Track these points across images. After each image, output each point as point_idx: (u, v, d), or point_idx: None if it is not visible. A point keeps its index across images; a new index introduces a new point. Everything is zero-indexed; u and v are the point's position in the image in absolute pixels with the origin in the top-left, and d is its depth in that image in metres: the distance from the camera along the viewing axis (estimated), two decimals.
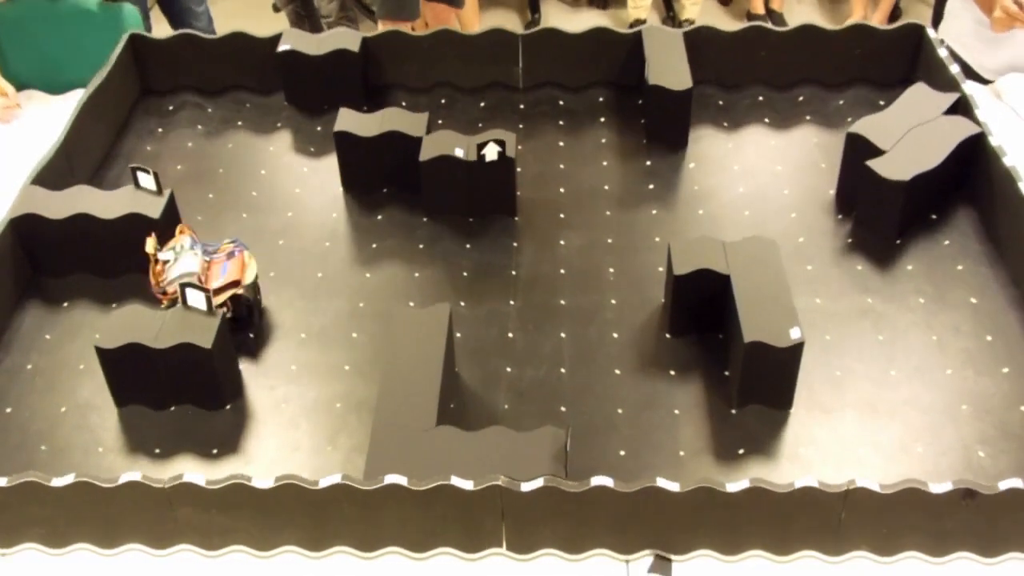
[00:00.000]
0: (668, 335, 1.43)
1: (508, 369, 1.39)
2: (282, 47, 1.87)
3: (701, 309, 1.40)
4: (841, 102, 1.88)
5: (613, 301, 1.49)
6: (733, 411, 1.32)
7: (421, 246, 1.61)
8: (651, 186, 1.71)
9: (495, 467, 1.13)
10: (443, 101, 1.92)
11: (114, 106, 1.87)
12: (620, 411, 1.33)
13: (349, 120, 1.68)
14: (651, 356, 1.40)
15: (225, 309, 1.39)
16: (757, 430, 1.30)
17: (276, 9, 4.01)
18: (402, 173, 1.66)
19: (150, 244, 1.41)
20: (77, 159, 1.71)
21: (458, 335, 1.43)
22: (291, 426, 1.33)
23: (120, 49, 1.90)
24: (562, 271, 1.55)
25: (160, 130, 1.89)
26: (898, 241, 1.57)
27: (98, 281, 1.55)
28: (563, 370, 1.39)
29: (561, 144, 1.81)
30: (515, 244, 1.60)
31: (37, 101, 2.13)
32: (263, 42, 1.91)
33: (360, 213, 1.68)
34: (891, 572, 1.16)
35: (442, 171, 1.60)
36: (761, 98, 1.90)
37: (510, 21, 4.33)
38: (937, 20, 2.69)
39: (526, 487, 1.10)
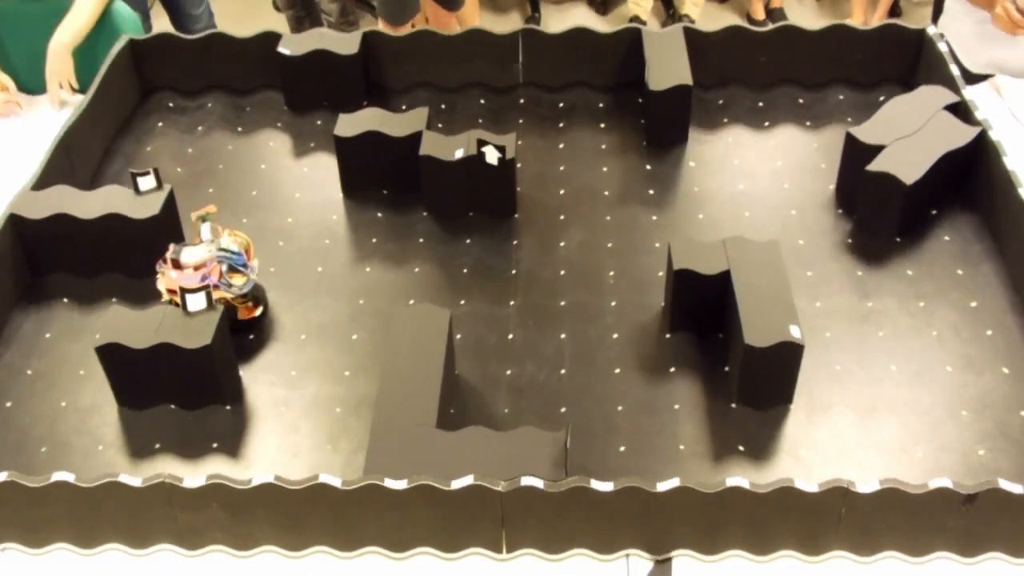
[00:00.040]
0: (668, 335, 1.43)
1: (508, 369, 1.39)
2: (282, 48, 1.87)
3: (701, 308, 1.40)
4: (841, 101, 1.88)
5: (613, 302, 1.49)
6: (733, 405, 1.32)
7: (421, 245, 1.61)
8: (650, 187, 1.71)
9: (496, 467, 1.13)
10: (444, 100, 1.92)
11: (114, 106, 1.87)
12: (620, 409, 1.33)
13: (350, 119, 1.68)
14: (651, 356, 1.40)
15: (223, 305, 1.39)
16: (757, 429, 1.30)
17: (277, 8, 4.01)
18: (402, 173, 1.66)
19: (202, 212, 1.41)
20: (77, 159, 1.71)
21: (458, 335, 1.43)
22: (291, 425, 1.33)
23: (120, 49, 1.90)
24: (562, 271, 1.55)
25: (161, 127, 1.89)
26: (898, 241, 1.57)
27: (98, 281, 1.55)
28: (563, 370, 1.39)
29: (561, 144, 1.81)
30: (515, 244, 1.60)
31: (37, 101, 2.13)
32: (264, 42, 1.91)
33: (359, 213, 1.68)
34: (880, 571, 1.17)
35: (442, 171, 1.60)
36: (761, 99, 1.89)
37: (511, 21, 4.33)
38: (936, 18, 2.69)
39: (527, 485, 1.10)
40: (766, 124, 1.84)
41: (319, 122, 1.88)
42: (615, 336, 1.43)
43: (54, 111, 2.08)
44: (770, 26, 1.88)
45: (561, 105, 1.90)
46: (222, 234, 1.42)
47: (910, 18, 4.25)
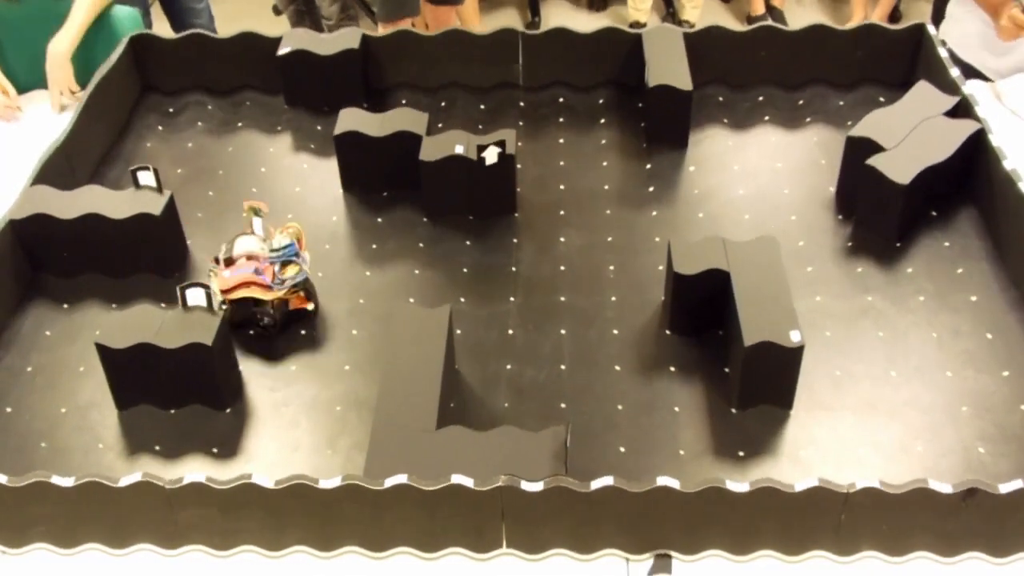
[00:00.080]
0: (668, 332, 1.43)
1: (508, 367, 1.39)
2: (283, 49, 1.87)
3: (701, 307, 1.40)
4: (841, 102, 1.88)
5: (613, 299, 1.49)
6: (733, 410, 1.32)
7: (421, 245, 1.61)
8: (651, 186, 1.71)
9: (495, 466, 1.13)
10: (443, 100, 1.92)
11: (115, 106, 1.87)
12: (620, 408, 1.32)
13: (350, 120, 1.68)
14: (651, 354, 1.40)
15: (226, 306, 1.39)
16: (757, 429, 1.29)
17: (277, 12, 4.01)
18: (402, 172, 1.66)
19: (255, 205, 1.42)
20: (77, 159, 1.71)
21: (458, 333, 1.43)
22: (291, 425, 1.33)
23: (121, 49, 1.91)
24: (562, 269, 1.55)
25: (160, 130, 1.89)
26: (898, 242, 1.56)
27: (98, 281, 1.55)
28: (563, 368, 1.39)
29: (562, 143, 1.81)
30: (515, 242, 1.60)
31: (37, 101, 2.13)
32: (265, 42, 1.91)
33: (360, 212, 1.68)
34: (898, 572, 1.17)
35: (442, 170, 1.60)
36: (761, 98, 1.90)
37: (510, 23, 4.33)
38: (937, 20, 2.69)
39: (527, 486, 1.10)
40: (767, 124, 1.84)
41: (320, 122, 1.88)
42: (615, 333, 1.43)
43: (54, 112, 2.09)
44: (769, 22, 1.88)
45: (562, 103, 1.90)
46: (274, 235, 1.43)
47: (910, 18, 4.25)
